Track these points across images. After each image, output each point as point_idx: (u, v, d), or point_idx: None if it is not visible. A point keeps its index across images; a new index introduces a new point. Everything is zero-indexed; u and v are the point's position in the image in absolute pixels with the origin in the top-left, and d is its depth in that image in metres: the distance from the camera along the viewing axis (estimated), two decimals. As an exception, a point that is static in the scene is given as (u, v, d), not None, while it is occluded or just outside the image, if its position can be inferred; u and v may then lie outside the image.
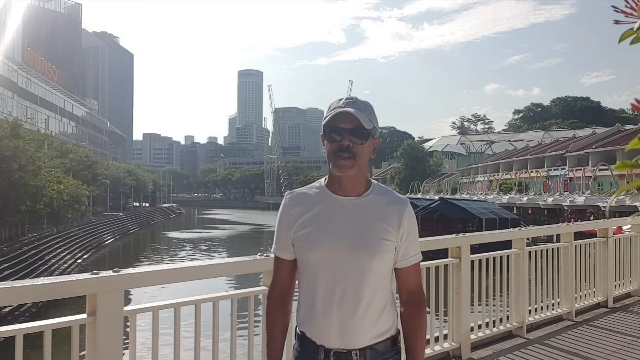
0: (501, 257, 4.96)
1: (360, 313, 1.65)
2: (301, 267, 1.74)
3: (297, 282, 1.82)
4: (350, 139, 1.64)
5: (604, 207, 34.25)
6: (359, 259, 1.65)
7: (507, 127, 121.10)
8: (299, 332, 1.75)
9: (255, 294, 3.09)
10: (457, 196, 53.64)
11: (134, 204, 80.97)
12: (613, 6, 0.94)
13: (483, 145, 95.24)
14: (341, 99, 1.69)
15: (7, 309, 16.16)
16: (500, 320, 4.90)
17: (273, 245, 1.81)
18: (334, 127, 1.65)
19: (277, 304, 1.81)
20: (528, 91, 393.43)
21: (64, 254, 29.83)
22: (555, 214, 41.91)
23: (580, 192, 41.09)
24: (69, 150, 46.45)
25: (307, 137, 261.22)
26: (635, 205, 30.90)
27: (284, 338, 1.82)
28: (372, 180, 1.76)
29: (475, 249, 4.67)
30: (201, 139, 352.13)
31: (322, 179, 1.78)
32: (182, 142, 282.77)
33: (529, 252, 5.24)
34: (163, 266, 2.56)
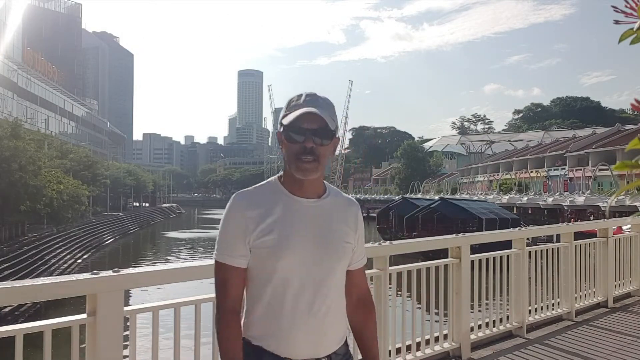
0: (501, 257, 4.96)
1: (330, 319, 1.61)
2: (263, 276, 1.59)
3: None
4: (314, 140, 1.55)
5: (604, 207, 34.23)
6: (327, 263, 1.61)
7: (507, 127, 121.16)
8: (254, 346, 1.59)
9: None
10: (457, 196, 53.63)
11: (134, 204, 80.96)
12: (613, 6, 0.94)
13: (483, 145, 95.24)
14: (300, 95, 1.60)
15: (7, 309, 16.15)
16: (500, 320, 4.90)
17: (220, 253, 1.61)
18: (297, 127, 1.55)
19: (236, 320, 1.61)
20: (528, 91, 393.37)
21: (64, 254, 29.82)
22: (555, 214, 41.90)
23: (580, 192, 41.08)
24: (69, 150, 46.45)
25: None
26: (635, 205, 30.89)
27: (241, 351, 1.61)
28: (325, 182, 1.70)
29: (476, 249, 4.67)
30: (201, 139, 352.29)
31: (273, 178, 1.68)
32: (182, 142, 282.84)
33: (529, 252, 5.24)
34: (163, 266, 2.56)
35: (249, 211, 1.59)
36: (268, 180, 1.69)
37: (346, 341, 1.71)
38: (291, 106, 1.59)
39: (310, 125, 1.55)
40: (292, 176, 1.61)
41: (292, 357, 1.58)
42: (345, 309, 1.71)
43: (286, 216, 1.59)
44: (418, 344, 4.11)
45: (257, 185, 1.68)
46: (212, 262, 1.64)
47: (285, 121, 1.57)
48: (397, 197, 55.61)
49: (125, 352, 2.52)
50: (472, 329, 4.59)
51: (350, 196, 1.76)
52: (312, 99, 1.58)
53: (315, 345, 1.60)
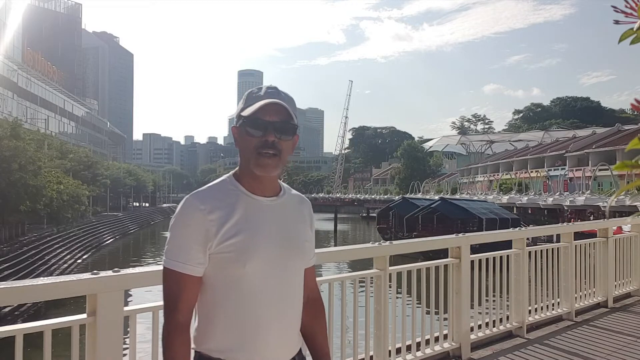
0: (501, 257, 4.96)
1: (295, 320, 1.55)
2: (225, 284, 1.46)
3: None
4: (275, 135, 1.45)
5: (604, 207, 34.24)
6: (292, 264, 1.53)
7: (507, 127, 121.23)
8: (209, 358, 1.47)
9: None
10: (457, 196, 53.64)
11: (134, 204, 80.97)
12: (613, 6, 0.94)
13: (483, 145, 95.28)
14: (261, 88, 1.51)
15: (7, 309, 16.15)
16: (500, 320, 4.90)
17: (172, 260, 1.45)
18: (258, 119, 1.45)
19: (187, 335, 1.46)
20: (528, 91, 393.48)
21: (64, 254, 29.83)
22: (555, 214, 41.90)
23: (580, 192, 41.08)
24: (69, 151, 46.46)
25: (307, 137, 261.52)
26: (635, 205, 30.88)
27: None
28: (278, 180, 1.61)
29: (476, 249, 4.67)
30: (201, 139, 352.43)
31: (227, 176, 1.55)
32: (182, 142, 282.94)
33: (529, 252, 5.25)
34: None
35: (211, 214, 1.44)
36: (222, 178, 1.56)
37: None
38: (252, 98, 1.50)
39: (272, 118, 1.45)
40: (250, 173, 1.50)
41: None
42: (301, 308, 1.62)
43: (249, 217, 1.48)
44: (418, 344, 4.11)
45: (212, 184, 1.55)
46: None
47: (245, 113, 1.47)
48: (397, 197, 55.62)
49: (125, 352, 2.52)
50: (472, 329, 4.59)
51: (298, 193, 1.68)
52: (274, 91, 1.50)
53: (284, 349, 1.53)
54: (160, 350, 1.96)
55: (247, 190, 1.51)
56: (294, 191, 1.65)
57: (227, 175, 1.56)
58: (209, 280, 1.48)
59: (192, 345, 1.49)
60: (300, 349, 1.63)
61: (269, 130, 1.45)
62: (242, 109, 1.49)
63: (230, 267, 1.45)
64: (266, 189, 1.53)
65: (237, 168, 1.57)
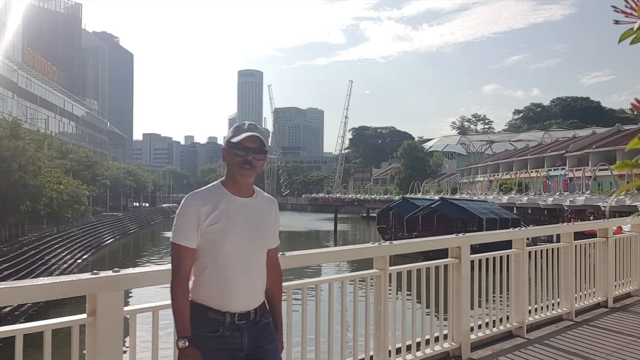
0: (501, 257, 4.96)
1: (258, 280, 2.26)
2: (211, 253, 2.17)
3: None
4: (252, 156, 2.18)
5: (604, 207, 34.24)
6: (257, 243, 2.25)
7: (507, 127, 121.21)
8: (200, 305, 2.17)
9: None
10: (457, 196, 53.63)
11: (134, 204, 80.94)
12: (613, 6, 0.94)
13: (483, 145, 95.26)
14: (244, 123, 2.25)
15: (7, 309, 16.15)
16: (500, 320, 4.90)
17: (177, 237, 2.15)
18: (242, 145, 2.18)
19: (185, 287, 2.16)
20: (527, 91, 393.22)
21: (64, 254, 29.81)
22: (555, 214, 41.89)
23: (580, 192, 41.08)
24: (69, 151, 46.39)
25: (307, 137, 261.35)
26: (635, 205, 30.88)
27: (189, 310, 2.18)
28: (254, 186, 2.31)
29: (476, 249, 4.67)
30: (201, 139, 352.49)
31: (217, 182, 2.26)
32: (182, 142, 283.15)
33: (529, 252, 5.25)
34: (163, 266, 2.57)
35: (203, 207, 2.16)
36: (213, 183, 2.28)
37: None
38: (238, 130, 2.23)
39: (251, 145, 2.19)
40: (232, 180, 2.24)
41: (231, 310, 2.17)
42: (265, 275, 2.31)
43: (229, 210, 2.19)
44: (418, 344, 4.11)
45: (206, 187, 2.28)
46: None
47: (234, 140, 2.19)
48: (397, 197, 55.61)
49: (126, 352, 2.52)
50: (472, 329, 4.59)
51: (269, 195, 2.42)
52: (253, 126, 2.24)
53: (249, 300, 2.22)
54: (160, 350, 2.28)
55: (230, 192, 2.23)
56: (265, 194, 2.39)
57: (217, 181, 2.28)
58: (200, 251, 2.18)
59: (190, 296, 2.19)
60: (264, 303, 2.31)
61: (249, 152, 2.19)
62: (231, 137, 2.22)
63: (212, 243, 2.17)
64: (242, 192, 2.25)
65: (224, 177, 2.29)
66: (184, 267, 2.15)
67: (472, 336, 4.56)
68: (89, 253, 34.49)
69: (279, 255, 2.50)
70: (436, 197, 43.21)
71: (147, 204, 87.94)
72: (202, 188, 2.27)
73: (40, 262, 25.57)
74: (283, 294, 2.68)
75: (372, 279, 3.84)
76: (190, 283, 2.19)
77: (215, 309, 2.16)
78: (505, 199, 49.42)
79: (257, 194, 2.30)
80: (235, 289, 2.17)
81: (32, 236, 30.01)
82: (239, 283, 2.17)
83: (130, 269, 2.60)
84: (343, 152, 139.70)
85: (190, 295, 2.18)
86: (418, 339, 4.12)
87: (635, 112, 0.92)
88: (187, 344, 2.12)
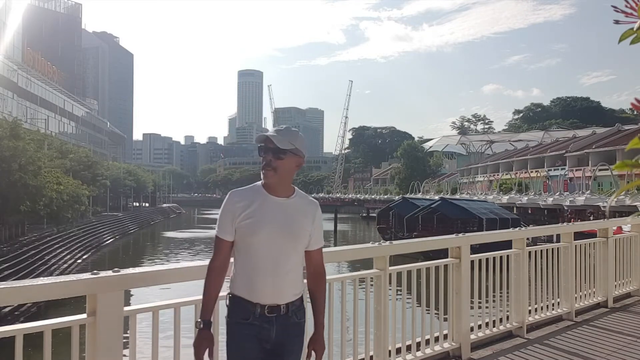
0: (501, 257, 4.96)
1: (289, 278, 2.32)
2: (243, 247, 2.31)
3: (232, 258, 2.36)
4: (269, 156, 2.30)
5: (604, 207, 34.23)
6: (289, 242, 2.31)
7: (507, 127, 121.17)
8: (235, 296, 2.33)
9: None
10: (457, 196, 53.61)
11: (134, 204, 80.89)
12: (613, 6, 0.94)
13: (483, 145, 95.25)
14: (274, 128, 2.39)
15: (7, 309, 16.15)
16: (500, 320, 4.90)
17: (218, 230, 2.34)
18: (261, 147, 2.34)
19: (219, 273, 2.34)
20: (527, 91, 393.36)
21: (64, 254, 29.80)
22: (555, 214, 41.87)
23: (580, 192, 41.06)
24: (69, 151, 46.36)
25: (307, 137, 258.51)
26: (635, 205, 30.88)
27: (217, 297, 2.39)
28: (295, 187, 2.41)
29: (476, 249, 4.67)
30: (201, 139, 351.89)
31: (259, 182, 2.38)
32: (182, 142, 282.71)
33: (529, 252, 5.24)
34: (163, 266, 2.57)
35: (239, 203, 2.32)
36: (255, 183, 2.40)
37: (301, 298, 2.41)
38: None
39: (268, 146, 2.31)
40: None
41: (261, 302, 2.28)
42: (301, 274, 2.42)
43: (262, 208, 2.31)
44: (418, 344, 4.11)
45: (247, 186, 2.43)
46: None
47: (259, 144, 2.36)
48: (397, 197, 55.59)
49: (125, 352, 2.52)
50: (472, 329, 4.59)
51: (313, 198, 2.48)
52: (279, 129, 2.37)
53: (277, 295, 2.30)
54: (160, 350, 2.30)
55: (266, 191, 2.35)
56: (307, 197, 2.47)
57: (259, 181, 2.39)
58: (236, 245, 2.35)
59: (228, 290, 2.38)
60: (300, 301, 2.39)
61: (267, 154, 2.33)
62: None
63: (244, 237, 2.31)
64: (279, 192, 2.35)
65: None
66: (219, 256, 2.34)
67: (472, 336, 4.55)
68: (89, 253, 34.47)
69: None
70: (436, 197, 43.20)
71: (147, 204, 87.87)
72: (245, 187, 2.43)
73: (40, 262, 25.56)
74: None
75: (372, 279, 3.84)
76: (231, 277, 2.38)
77: (247, 300, 2.29)
78: (505, 199, 49.40)
79: (297, 195, 2.40)
80: (262, 282, 2.27)
81: (32, 236, 29.99)
82: (267, 276, 2.27)
83: (130, 269, 2.60)
84: (343, 152, 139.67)
85: (229, 289, 2.37)
86: (418, 339, 4.12)
87: (635, 112, 0.92)
88: (202, 325, 2.29)
